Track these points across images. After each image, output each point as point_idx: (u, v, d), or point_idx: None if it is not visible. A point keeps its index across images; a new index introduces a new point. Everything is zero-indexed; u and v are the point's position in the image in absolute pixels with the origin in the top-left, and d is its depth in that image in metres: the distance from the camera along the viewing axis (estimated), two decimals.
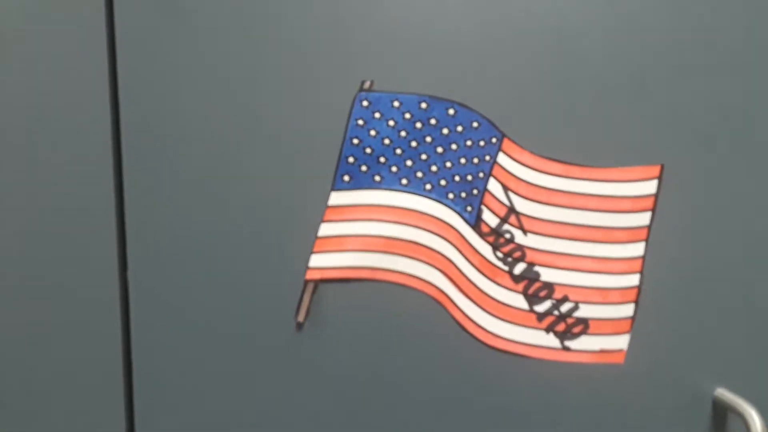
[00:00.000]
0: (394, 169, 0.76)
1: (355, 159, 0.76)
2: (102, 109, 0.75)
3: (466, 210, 0.76)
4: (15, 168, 0.74)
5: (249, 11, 0.74)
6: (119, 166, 0.76)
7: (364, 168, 0.76)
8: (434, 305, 0.77)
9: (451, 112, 0.75)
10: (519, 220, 0.76)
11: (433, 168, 0.76)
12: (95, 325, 0.76)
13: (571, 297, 0.76)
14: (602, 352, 0.76)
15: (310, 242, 0.77)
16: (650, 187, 0.74)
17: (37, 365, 0.77)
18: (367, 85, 0.75)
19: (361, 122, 0.76)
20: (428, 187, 0.76)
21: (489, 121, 0.75)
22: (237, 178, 0.76)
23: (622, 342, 0.76)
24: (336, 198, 0.76)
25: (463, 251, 0.76)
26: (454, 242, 0.76)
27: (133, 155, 0.75)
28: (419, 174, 0.76)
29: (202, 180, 0.76)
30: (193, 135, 0.75)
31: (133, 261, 0.76)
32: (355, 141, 0.76)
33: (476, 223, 0.76)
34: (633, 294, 0.76)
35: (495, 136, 0.75)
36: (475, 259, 0.76)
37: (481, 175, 0.76)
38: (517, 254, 0.76)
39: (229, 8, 0.74)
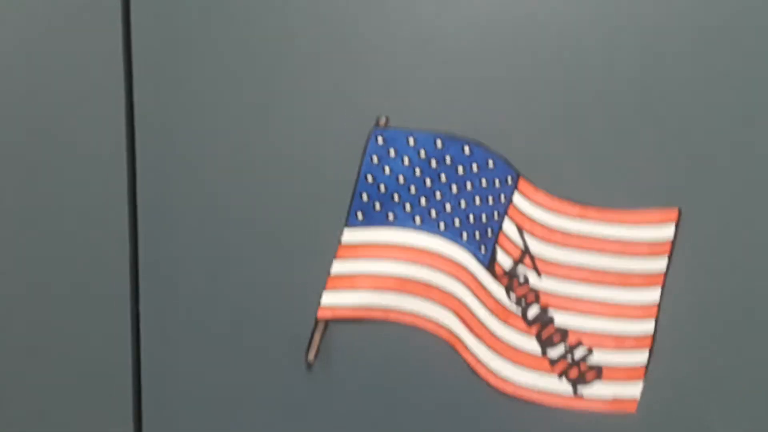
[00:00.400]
0: (407, 207, 0.75)
1: (369, 196, 0.75)
2: (117, 141, 0.74)
3: (480, 250, 0.75)
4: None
5: (263, 47, 0.74)
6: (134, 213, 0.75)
7: (377, 206, 0.75)
8: (446, 347, 0.75)
9: (467, 150, 0.75)
10: (534, 262, 0.75)
11: (448, 207, 0.75)
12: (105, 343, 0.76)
13: (585, 342, 0.75)
14: (615, 400, 0.75)
15: (322, 280, 0.75)
16: (667, 231, 0.73)
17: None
18: (382, 121, 0.75)
19: (375, 159, 0.75)
20: (442, 226, 0.75)
21: (505, 160, 0.74)
22: (250, 213, 0.75)
23: (635, 390, 0.75)
24: (349, 235, 0.75)
25: (477, 293, 0.75)
26: (468, 283, 0.75)
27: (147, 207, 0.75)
28: (433, 213, 0.75)
29: (213, 213, 0.75)
30: (205, 171, 0.75)
31: (144, 307, 0.75)
32: (369, 178, 0.75)
33: (490, 264, 0.75)
34: (648, 341, 0.74)
35: (510, 176, 0.74)
36: (489, 301, 0.75)
37: (495, 215, 0.75)
38: (531, 297, 0.75)
39: (243, 44, 0.74)
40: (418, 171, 0.75)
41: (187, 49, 0.74)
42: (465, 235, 0.75)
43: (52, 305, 0.76)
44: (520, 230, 0.75)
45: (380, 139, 0.75)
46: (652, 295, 0.74)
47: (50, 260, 0.75)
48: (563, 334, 0.75)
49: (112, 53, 0.74)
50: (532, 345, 0.75)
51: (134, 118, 0.75)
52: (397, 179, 0.75)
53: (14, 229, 0.75)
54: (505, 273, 0.75)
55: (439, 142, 0.75)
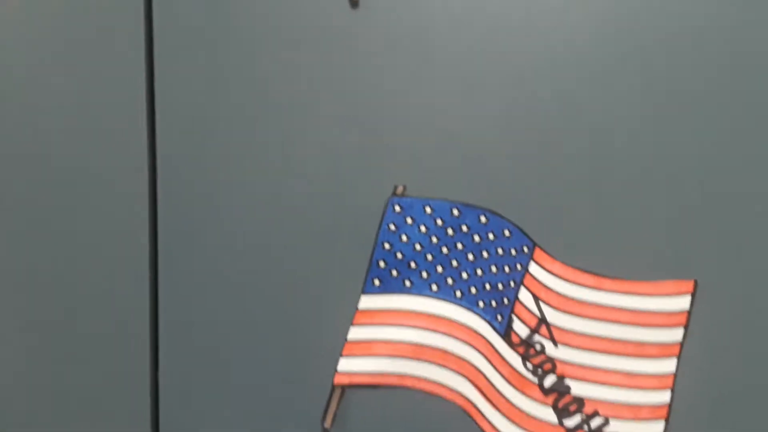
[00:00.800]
0: (424, 274, 0.76)
1: (386, 263, 0.76)
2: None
3: (496, 319, 0.76)
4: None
5: (281, 113, 0.76)
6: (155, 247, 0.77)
7: (394, 272, 0.76)
8: (462, 415, 0.76)
9: (483, 219, 0.75)
10: (550, 332, 0.75)
11: (464, 275, 0.76)
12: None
13: (601, 412, 0.75)
14: None
15: (339, 345, 0.76)
16: (683, 302, 0.74)
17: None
18: (399, 190, 0.76)
19: (393, 227, 0.76)
20: (458, 294, 0.76)
21: (521, 229, 0.75)
22: (266, 278, 0.77)
23: None
24: (366, 302, 0.76)
25: (493, 361, 0.75)
26: (484, 351, 0.75)
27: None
28: (450, 281, 0.76)
29: (229, 278, 0.76)
30: (225, 235, 0.76)
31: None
32: (387, 245, 0.76)
33: (506, 332, 0.76)
34: (664, 411, 0.74)
35: (527, 245, 0.75)
36: (505, 370, 0.75)
37: (512, 284, 0.76)
38: (548, 366, 0.75)
39: (263, 106, 0.76)
40: (434, 239, 0.76)
41: (208, 111, 0.76)
42: (481, 303, 0.76)
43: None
44: (537, 299, 0.75)
45: (398, 207, 0.76)
46: (668, 365, 0.74)
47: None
48: (579, 403, 0.75)
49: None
50: (548, 414, 0.75)
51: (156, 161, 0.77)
52: (414, 247, 0.76)
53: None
54: (522, 342, 0.75)
55: (455, 211, 0.76)
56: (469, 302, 0.76)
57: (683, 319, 0.74)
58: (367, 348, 0.76)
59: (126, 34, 0.76)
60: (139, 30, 0.76)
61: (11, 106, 0.77)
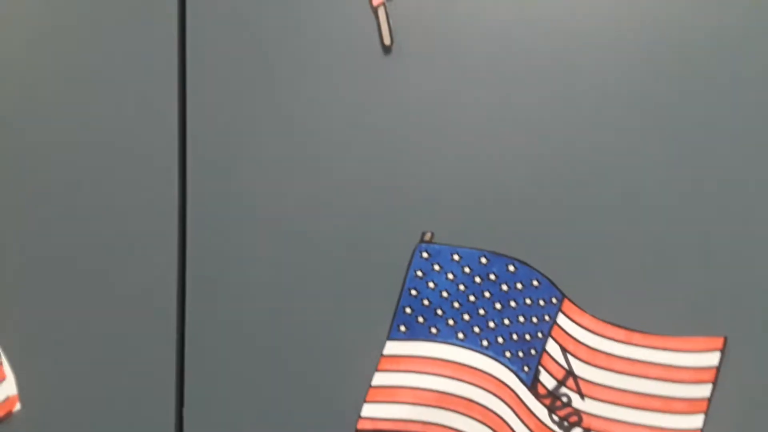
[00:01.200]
0: (451, 322, 0.76)
1: (413, 310, 0.76)
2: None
3: (523, 370, 0.75)
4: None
5: (309, 156, 0.76)
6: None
7: (421, 319, 0.76)
8: None
9: (512, 268, 0.75)
10: (577, 384, 0.74)
11: (491, 324, 0.76)
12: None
13: None
14: None
15: (363, 391, 0.76)
16: (712, 358, 0.73)
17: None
18: (427, 236, 0.75)
19: (420, 273, 0.76)
20: (485, 343, 0.76)
21: (549, 280, 0.75)
22: (293, 321, 0.76)
23: None
24: (391, 348, 0.76)
25: (518, 412, 0.75)
26: (510, 402, 0.75)
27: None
28: (476, 329, 0.76)
29: (257, 319, 0.76)
30: (251, 276, 0.76)
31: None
32: (414, 292, 0.76)
33: (533, 384, 0.75)
34: None
35: (555, 297, 0.75)
36: (531, 422, 0.75)
37: (539, 335, 0.75)
38: (574, 419, 0.74)
39: (287, 151, 0.76)
40: (462, 287, 0.76)
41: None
42: (508, 353, 0.75)
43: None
44: (564, 351, 0.75)
45: (425, 254, 0.75)
46: (695, 421, 0.73)
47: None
48: None
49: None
50: None
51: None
52: (441, 294, 0.76)
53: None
54: (548, 393, 0.75)
55: (483, 259, 0.75)
56: (495, 352, 0.75)
57: (712, 375, 0.73)
58: (392, 394, 0.75)
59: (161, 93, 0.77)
60: (173, 82, 0.77)
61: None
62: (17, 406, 0.77)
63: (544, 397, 0.75)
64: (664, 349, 0.73)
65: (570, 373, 0.75)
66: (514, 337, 0.75)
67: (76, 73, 0.78)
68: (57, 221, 0.78)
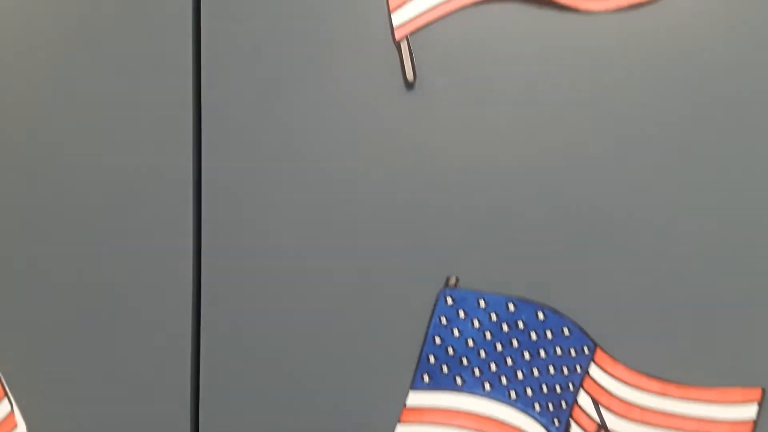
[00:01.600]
0: (477, 372, 0.72)
1: (437, 359, 0.72)
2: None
3: (553, 423, 0.72)
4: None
5: (328, 198, 0.73)
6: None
7: (445, 369, 0.72)
8: None
9: (541, 316, 0.72)
10: None
11: (519, 375, 0.72)
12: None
13: None
14: None
15: None
16: (750, 411, 0.70)
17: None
18: (452, 281, 0.72)
19: (444, 320, 0.72)
20: (513, 395, 0.72)
21: (581, 329, 0.71)
22: (312, 369, 0.73)
23: None
24: (414, 398, 0.72)
25: None
26: None
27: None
28: (504, 380, 0.72)
29: (278, 366, 0.73)
30: (273, 327, 0.72)
31: None
32: (438, 339, 0.72)
33: None
34: None
35: (587, 346, 0.71)
36: None
37: (570, 386, 0.72)
38: None
39: (305, 194, 0.73)
40: (488, 335, 0.72)
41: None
42: (537, 405, 0.72)
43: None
44: (597, 404, 0.71)
45: (450, 300, 0.72)
46: None
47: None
48: None
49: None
50: None
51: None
52: (467, 342, 0.72)
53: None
54: None
55: (511, 306, 0.72)
56: (524, 404, 0.72)
57: (749, 428, 0.70)
58: None
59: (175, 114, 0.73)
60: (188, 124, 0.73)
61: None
62: None
63: None
64: (701, 401, 0.70)
65: (602, 427, 0.71)
66: (544, 388, 0.72)
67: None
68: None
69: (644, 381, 0.71)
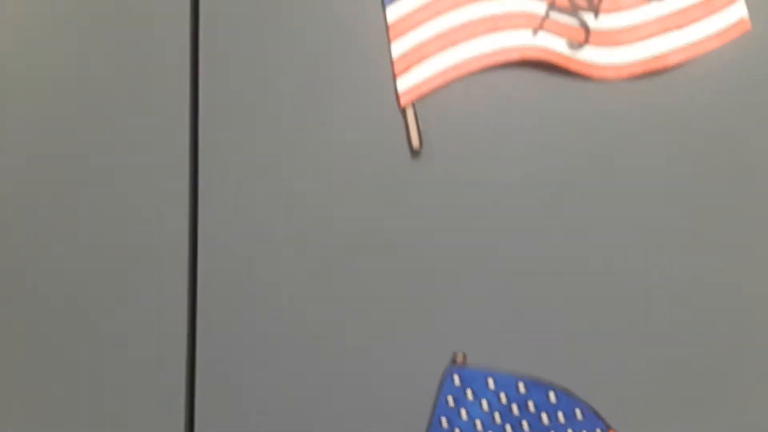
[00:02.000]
0: None
1: None
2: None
3: None
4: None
5: (332, 268, 0.70)
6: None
7: None
8: None
9: (552, 397, 0.69)
10: None
11: None
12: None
13: None
14: None
15: None
16: None
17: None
18: (459, 358, 0.69)
19: (451, 401, 0.69)
20: None
21: (594, 411, 0.68)
22: None
23: None
24: None
25: None
26: None
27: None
28: None
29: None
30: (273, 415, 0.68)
31: None
32: (444, 421, 0.69)
33: None
34: None
35: (600, 428, 0.68)
36: None
37: None
38: None
39: (308, 262, 0.70)
40: (498, 417, 0.69)
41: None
42: None
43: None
44: None
45: (457, 379, 0.69)
46: None
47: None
48: None
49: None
50: None
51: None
52: (475, 424, 0.69)
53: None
54: None
55: (521, 386, 0.69)
56: None
57: None
58: None
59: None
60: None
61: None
62: None
63: None
64: None
65: None
66: None
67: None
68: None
69: None
